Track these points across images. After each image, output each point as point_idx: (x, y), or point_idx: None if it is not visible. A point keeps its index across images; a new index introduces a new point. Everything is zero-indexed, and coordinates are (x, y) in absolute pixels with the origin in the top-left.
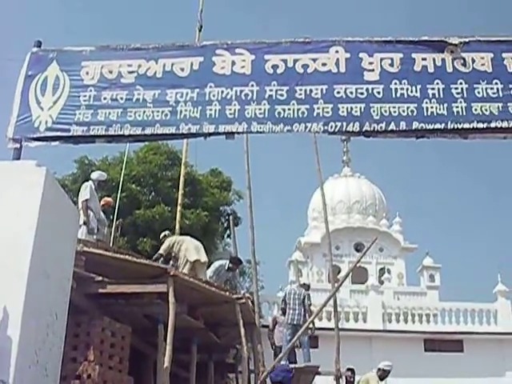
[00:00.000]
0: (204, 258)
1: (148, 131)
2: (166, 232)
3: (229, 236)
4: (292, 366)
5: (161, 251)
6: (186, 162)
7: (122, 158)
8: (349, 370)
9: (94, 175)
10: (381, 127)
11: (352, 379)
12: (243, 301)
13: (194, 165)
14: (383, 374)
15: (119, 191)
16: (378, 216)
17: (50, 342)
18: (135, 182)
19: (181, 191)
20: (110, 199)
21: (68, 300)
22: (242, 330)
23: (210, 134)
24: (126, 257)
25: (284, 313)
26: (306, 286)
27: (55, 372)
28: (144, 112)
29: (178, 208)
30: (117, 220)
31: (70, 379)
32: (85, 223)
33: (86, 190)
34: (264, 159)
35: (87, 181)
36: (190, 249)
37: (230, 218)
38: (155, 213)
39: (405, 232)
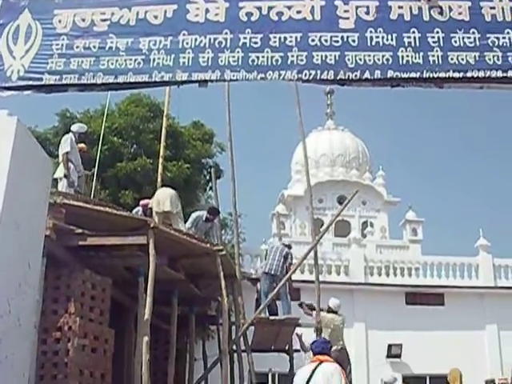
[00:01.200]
0: (175, 209)
1: (121, 79)
2: None
3: (211, 189)
4: (272, 317)
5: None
6: (168, 114)
7: (103, 110)
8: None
9: (74, 127)
10: (355, 76)
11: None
12: (224, 252)
13: (176, 117)
14: (334, 311)
15: (100, 144)
16: (361, 169)
17: (23, 292)
18: (117, 134)
19: (163, 143)
20: (82, 145)
21: (41, 250)
22: (223, 282)
23: (183, 82)
24: (106, 209)
25: None
26: (290, 247)
27: (29, 322)
28: (117, 60)
29: (160, 160)
30: (97, 173)
31: (51, 331)
32: (65, 176)
33: (66, 143)
34: (247, 112)
35: (68, 133)
36: (160, 199)
37: (212, 170)
38: (137, 165)
39: (388, 185)
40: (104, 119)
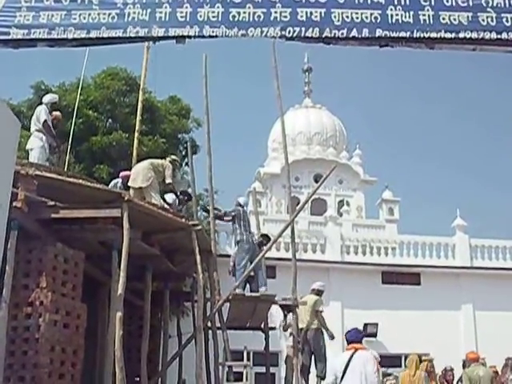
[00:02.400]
0: (138, 184)
1: (93, 34)
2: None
3: (187, 164)
4: (248, 294)
5: None
6: (144, 88)
7: (79, 83)
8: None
9: (46, 98)
10: (342, 34)
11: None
12: (199, 227)
13: (152, 91)
14: (319, 293)
15: (74, 117)
16: (338, 148)
17: None
18: (92, 108)
19: (139, 117)
20: (58, 113)
21: (6, 217)
22: (198, 258)
23: (160, 38)
24: (80, 181)
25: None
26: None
27: None
28: (89, 15)
29: (136, 135)
30: (71, 147)
31: (22, 307)
32: (56, 146)
33: (42, 113)
34: (224, 90)
35: (40, 105)
36: (134, 175)
37: (188, 145)
38: (112, 139)
39: (365, 165)
40: (79, 92)
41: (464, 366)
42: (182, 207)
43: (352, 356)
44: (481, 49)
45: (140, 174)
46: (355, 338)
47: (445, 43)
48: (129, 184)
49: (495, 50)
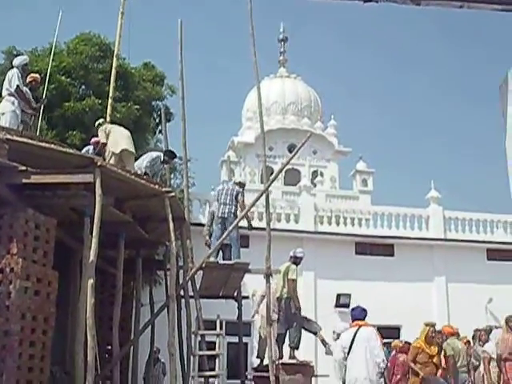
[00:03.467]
0: (131, 148)
1: None
2: (100, 120)
3: (160, 132)
4: (222, 262)
5: (103, 141)
6: (118, 54)
7: (51, 48)
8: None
9: (16, 61)
10: None
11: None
12: (172, 194)
13: (126, 58)
14: (296, 261)
15: (46, 83)
16: (312, 118)
17: None
18: (65, 73)
19: (112, 84)
20: (36, 75)
21: None
22: (171, 225)
23: None
24: (52, 146)
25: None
26: (242, 185)
27: None
28: None
29: (109, 101)
30: (43, 113)
31: None
32: (33, 108)
33: (14, 77)
34: (198, 58)
35: (12, 69)
36: (117, 139)
37: (162, 111)
38: (85, 105)
39: (339, 135)
40: (51, 57)
41: None
42: (163, 167)
43: (356, 332)
44: (468, 6)
45: (126, 138)
46: (359, 315)
47: None
48: (110, 147)
49: (482, 8)
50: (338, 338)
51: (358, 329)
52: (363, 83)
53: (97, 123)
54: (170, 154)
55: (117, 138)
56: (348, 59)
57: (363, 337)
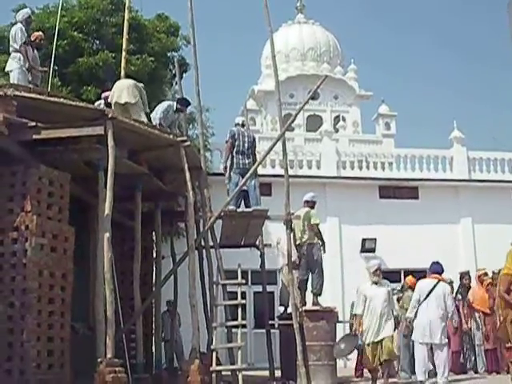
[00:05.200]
0: (125, 99)
1: None
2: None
3: (177, 83)
4: (240, 210)
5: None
6: (130, 7)
7: (62, 4)
8: None
9: (19, 16)
10: None
11: None
12: (188, 143)
13: (139, 10)
14: (312, 205)
15: (56, 38)
16: (332, 63)
17: None
18: (77, 29)
19: (125, 36)
20: (39, 33)
21: None
22: (188, 174)
23: None
24: (61, 100)
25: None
26: (247, 126)
27: None
28: None
29: (123, 54)
30: (57, 69)
31: (7, 232)
32: (28, 69)
33: (18, 33)
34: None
35: (16, 24)
36: (121, 91)
37: (176, 62)
38: (99, 60)
39: (360, 79)
40: (59, 12)
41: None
42: (179, 116)
43: (436, 284)
44: None
45: (125, 89)
46: (439, 269)
47: None
48: (113, 100)
49: None
50: (374, 273)
51: (437, 282)
52: (382, 25)
53: None
54: (183, 102)
55: (117, 90)
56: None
57: (441, 291)
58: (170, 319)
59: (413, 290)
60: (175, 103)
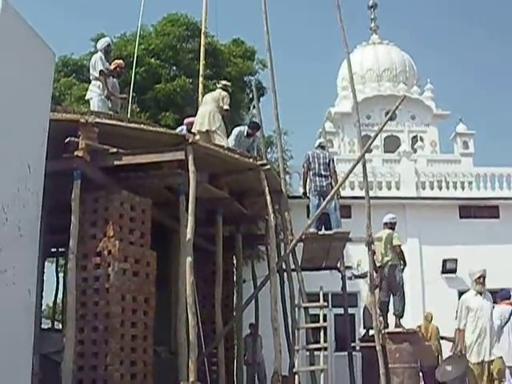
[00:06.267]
0: (206, 127)
1: None
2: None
3: (254, 107)
4: (321, 232)
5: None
6: (205, 32)
7: (140, 32)
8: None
9: (99, 45)
10: None
11: None
12: (268, 167)
13: (214, 35)
14: (393, 226)
15: (134, 65)
16: (408, 83)
17: (23, 198)
18: (154, 55)
19: (202, 62)
20: (120, 61)
21: (44, 152)
22: (268, 198)
23: None
24: (141, 126)
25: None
26: (322, 147)
27: (33, 232)
28: None
29: (200, 79)
30: (135, 96)
31: (90, 257)
32: (107, 97)
33: (98, 62)
34: (288, 30)
35: (96, 53)
36: (199, 119)
37: (253, 86)
38: (176, 86)
39: (437, 99)
40: (137, 39)
41: None
42: (251, 140)
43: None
44: None
45: (207, 117)
46: (507, 295)
47: None
48: (196, 128)
49: None
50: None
51: None
52: (457, 43)
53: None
54: (253, 125)
55: (199, 118)
56: (439, 21)
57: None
58: (253, 342)
59: None
60: (246, 128)
